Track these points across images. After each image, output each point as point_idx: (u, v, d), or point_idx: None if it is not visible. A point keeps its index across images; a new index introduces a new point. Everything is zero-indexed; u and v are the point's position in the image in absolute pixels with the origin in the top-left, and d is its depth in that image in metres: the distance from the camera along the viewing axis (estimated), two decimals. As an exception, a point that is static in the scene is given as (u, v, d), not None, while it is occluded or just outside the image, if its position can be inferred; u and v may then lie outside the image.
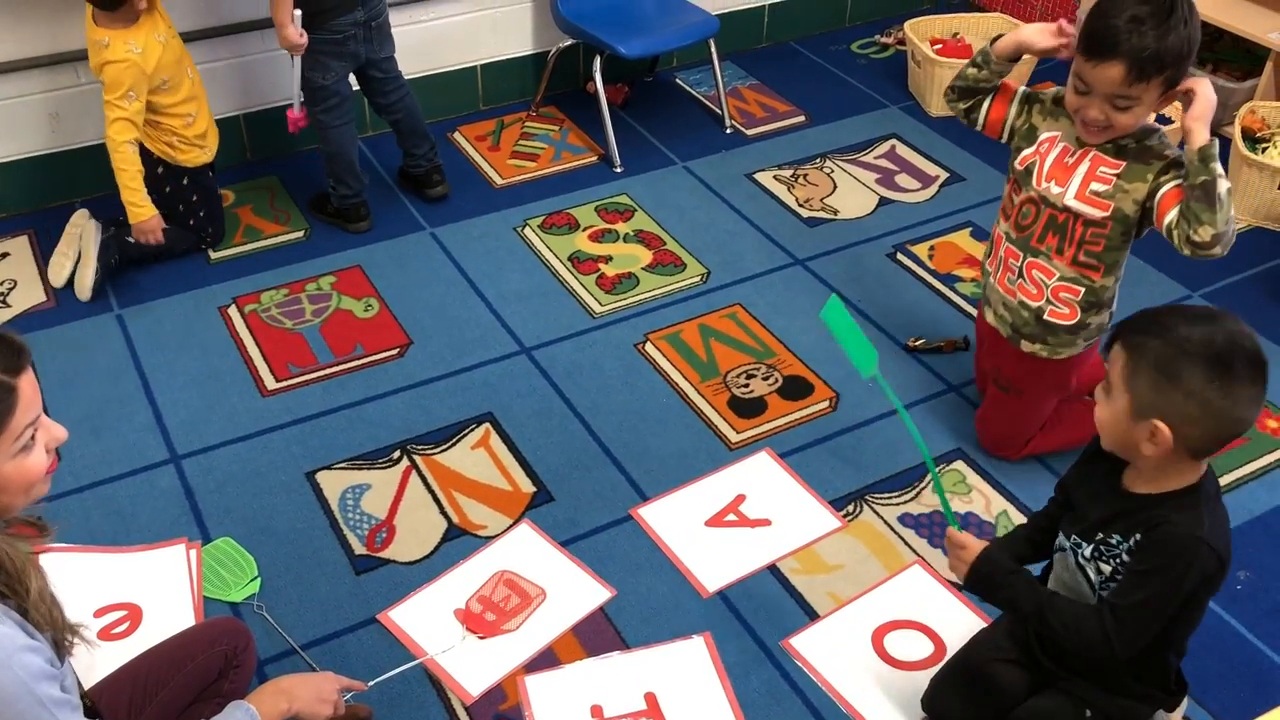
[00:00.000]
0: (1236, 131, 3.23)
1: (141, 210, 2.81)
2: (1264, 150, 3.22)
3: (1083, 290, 2.24)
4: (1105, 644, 1.57)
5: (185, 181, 2.95)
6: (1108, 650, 1.57)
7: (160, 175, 2.88)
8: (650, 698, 1.99)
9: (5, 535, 1.32)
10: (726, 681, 2.02)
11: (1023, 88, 2.29)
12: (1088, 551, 1.65)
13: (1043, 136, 2.22)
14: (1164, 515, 1.55)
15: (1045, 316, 2.28)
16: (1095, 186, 2.14)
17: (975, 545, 1.71)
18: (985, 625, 2.01)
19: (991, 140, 2.33)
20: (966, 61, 2.30)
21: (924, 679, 1.96)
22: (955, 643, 2.05)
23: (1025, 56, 2.24)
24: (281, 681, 1.69)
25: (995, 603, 1.74)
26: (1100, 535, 1.62)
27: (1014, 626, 1.82)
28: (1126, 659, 1.59)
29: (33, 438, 1.33)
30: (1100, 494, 1.66)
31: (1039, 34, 2.18)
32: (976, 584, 1.72)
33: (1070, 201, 2.17)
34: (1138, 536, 1.57)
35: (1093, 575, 1.65)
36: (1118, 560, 1.61)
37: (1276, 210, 3.19)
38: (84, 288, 2.85)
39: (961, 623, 2.12)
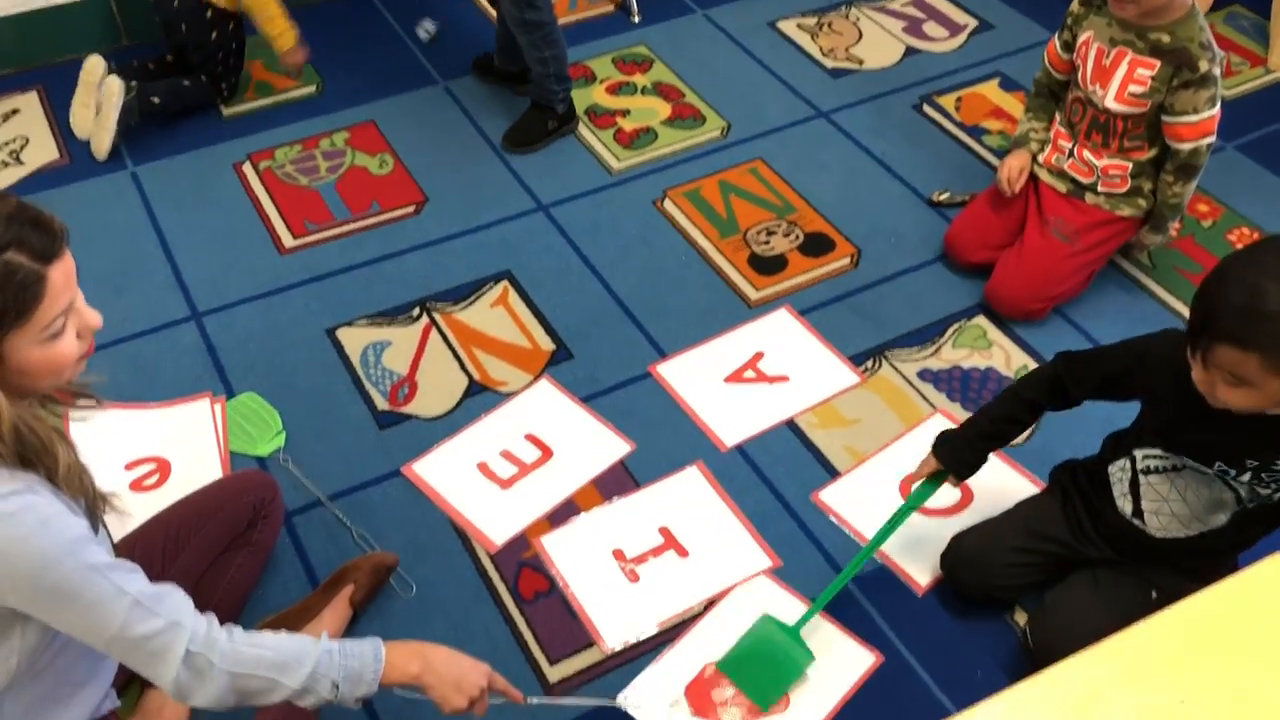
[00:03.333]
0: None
1: (289, 36, 2.86)
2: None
3: (1130, 164, 2.37)
4: None
5: (231, 27, 2.89)
6: None
7: (210, 20, 2.81)
8: (665, 531, 2.04)
9: (32, 406, 1.28)
10: (727, 498, 2.09)
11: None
12: (1245, 478, 1.59)
13: (1080, 39, 2.33)
14: None
15: (1099, 188, 2.40)
16: (1133, 89, 2.26)
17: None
18: (1031, 493, 2.00)
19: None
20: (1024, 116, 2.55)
21: (954, 525, 1.99)
22: (982, 490, 2.09)
23: None
24: (429, 649, 1.46)
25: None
26: (1256, 463, 1.56)
27: (1067, 513, 1.84)
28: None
29: (64, 325, 1.25)
30: (1209, 416, 1.53)
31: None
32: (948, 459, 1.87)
33: (1110, 104, 2.28)
34: None
35: (1244, 494, 1.62)
36: None
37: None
38: (101, 149, 2.81)
39: (987, 469, 2.13)
